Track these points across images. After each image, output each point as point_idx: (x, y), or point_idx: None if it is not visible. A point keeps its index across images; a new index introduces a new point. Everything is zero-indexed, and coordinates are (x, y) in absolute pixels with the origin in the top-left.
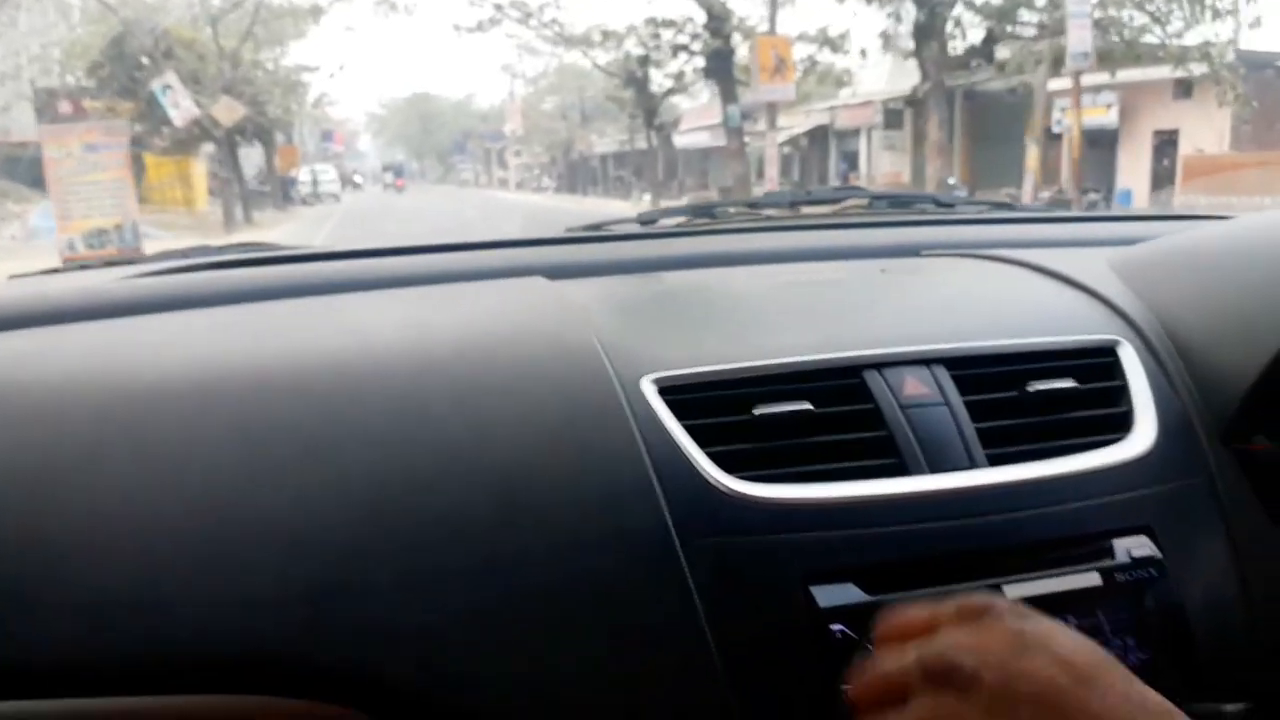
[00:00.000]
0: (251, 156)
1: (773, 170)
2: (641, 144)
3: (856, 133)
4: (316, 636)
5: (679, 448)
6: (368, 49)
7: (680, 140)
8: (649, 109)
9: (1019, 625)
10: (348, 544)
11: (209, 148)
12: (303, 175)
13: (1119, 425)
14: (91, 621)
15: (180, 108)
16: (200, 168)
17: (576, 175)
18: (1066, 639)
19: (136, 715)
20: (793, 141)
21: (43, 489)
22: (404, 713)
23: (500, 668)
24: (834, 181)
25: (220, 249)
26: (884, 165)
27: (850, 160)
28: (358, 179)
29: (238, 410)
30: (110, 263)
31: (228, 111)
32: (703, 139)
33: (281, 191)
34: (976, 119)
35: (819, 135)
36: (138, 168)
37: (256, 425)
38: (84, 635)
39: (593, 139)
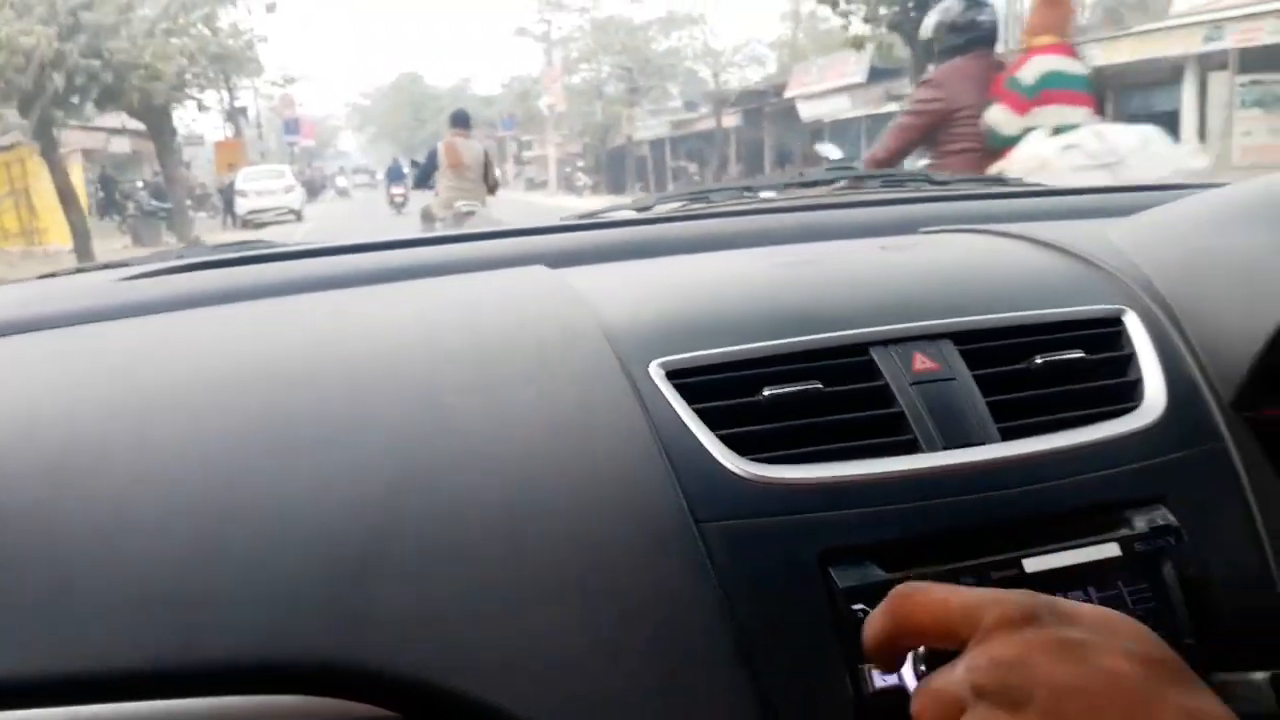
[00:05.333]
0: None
1: None
2: (710, 122)
3: (1155, 84)
4: (334, 629)
5: (689, 432)
6: (345, 32)
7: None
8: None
9: (1064, 634)
10: (364, 535)
11: (95, 140)
12: (239, 182)
13: (1129, 395)
14: (107, 625)
15: None
16: (66, 174)
17: (619, 168)
18: (1118, 641)
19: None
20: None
21: (54, 492)
22: (415, 701)
23: (513, 654)
24: None
25: (216, 248)
26: (1248, 130)
27: (1164, 120)
28: (341, 182)
29: (249, 405)
30: (107, 265)
31: None
32: (824, 108)
33: (224, 207)
34: None
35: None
36: None
37: (268, 420)
38: (101, 639)
39: (638, 122)
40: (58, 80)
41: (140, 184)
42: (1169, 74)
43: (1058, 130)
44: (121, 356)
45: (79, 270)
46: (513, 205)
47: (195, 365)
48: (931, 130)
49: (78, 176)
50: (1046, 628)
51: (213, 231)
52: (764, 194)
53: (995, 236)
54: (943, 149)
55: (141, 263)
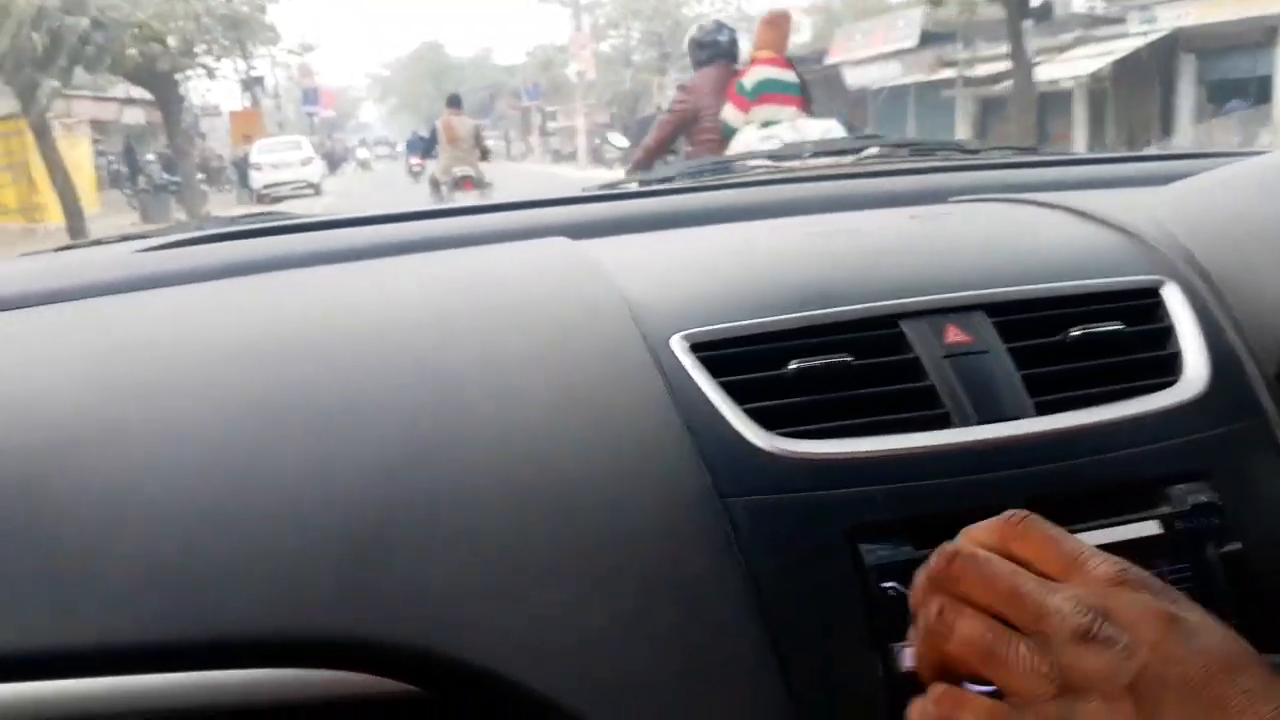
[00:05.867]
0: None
1: None
2: None
3: (1245, 48)
4: (340, 604)
5: (713, 406)
6: (364, 3)
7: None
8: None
9: (1173, 609)
10: (370, 510)
11: (107, 110)
12: (254, 154)
13: (1168, 369)
14: (119, 599)
15: None
16: (73, 146)
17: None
18: (1214, 629)
19: (171, 693)
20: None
21: (67, 464)
22: (437, 677)
23: (529, 628)
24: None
25: (233, 219)
26: None
27: (1253, 87)
28: (362, 154)
29: (262, 379)
30: (125, 236)
31: None
32: (872, 75)
33: (238, 180)
34: None
35: (1158, 55)
36: None
37: (281, 394)
38: (112, 613)
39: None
40: (38, 40)
41: (150, 156)
42: (1261, 36)
43: (767, 124)
44: (136, 329)
45: (97, 242)
46: (536, 179)
47: (209, 339)
48: (685, 124)
49: (84, 148)
50: (1159, 599)
51: (226, 206)
52: (789, 163)
53: (1029, 206)
54: (694, 138)
55: (160, 234)
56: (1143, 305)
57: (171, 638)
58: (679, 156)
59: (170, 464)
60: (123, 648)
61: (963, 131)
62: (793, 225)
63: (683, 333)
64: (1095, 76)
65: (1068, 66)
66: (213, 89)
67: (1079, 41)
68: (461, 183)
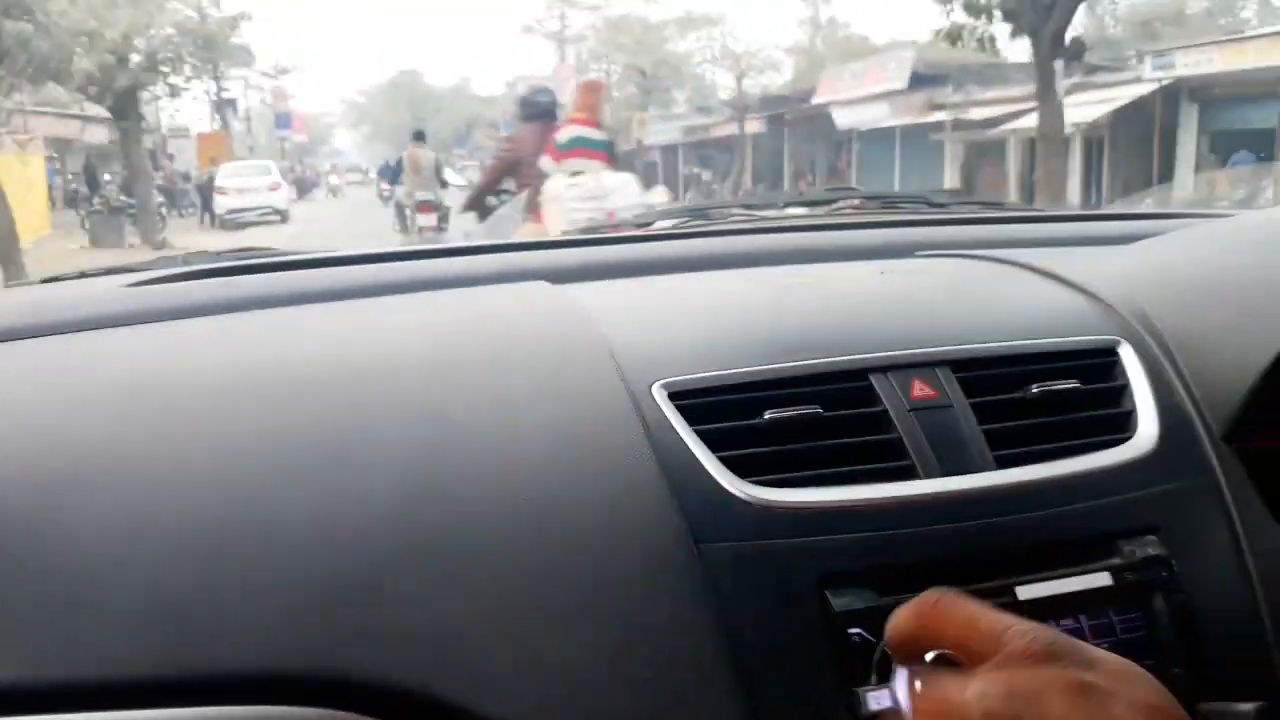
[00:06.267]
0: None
1: None
2: (724, 129)
3: (1252, 99)
4: (334, 643)
5: (691, 454)
6: (341, 26)
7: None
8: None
9: (1083, 677)
10: (365, 549)
11: (68, 128)
12: (219, 178)
13: (1122, 426)
14: (113, 634)
15: None
16: (26, 164)
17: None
18: (1133, 692)
19: None
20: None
21: (60, 500)
22: (422, 717)
23: (516, 670)
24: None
25: (219, 254)
26: None
27: (1258, 139)
28: (333, 180)
29: (255, 416)
30: (111, 270)
31: None
32: (860, 116)
33: (201, 205)
34: None
35: (1159, 103)
36: None
37: (275, 431)
38: (106, 648)
39: (649, 126)
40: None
41: (107, 177)
42: (1270, 86)
43: (575, 173)
44: (129, 365)
45: (83, 275)
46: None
47: (203, 376)
48: (508, 169)
49: (38, 166)
50: (1067, 668)
51: (188, 232)
52: (763, 212)
53: (993, 263)
54: (519, 181)
55: (147, 268)
56: (1099, 364)
57: (168, 673)
58: (510, 194)
59: (168, 501)
60: (121, 682)
61: (950, 176)
62: (768, 276)
63: (663, 381)
64: (1093, 124)
65: (1069, 113)
66: (182, 110)
67: (1076, 88)
68: (421, 206)
